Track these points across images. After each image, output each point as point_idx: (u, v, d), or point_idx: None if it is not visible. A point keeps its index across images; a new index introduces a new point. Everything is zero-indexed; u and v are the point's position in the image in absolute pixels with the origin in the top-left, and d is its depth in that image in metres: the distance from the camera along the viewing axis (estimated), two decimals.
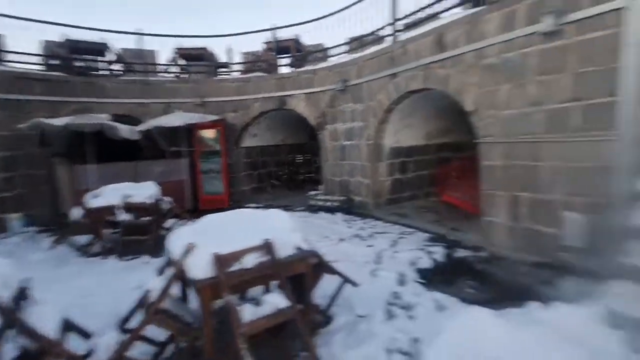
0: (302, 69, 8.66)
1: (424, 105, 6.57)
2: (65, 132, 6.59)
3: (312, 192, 7.97)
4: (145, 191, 5.26)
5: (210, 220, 2.60)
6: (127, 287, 3.72)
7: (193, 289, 2.25)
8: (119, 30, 8.28)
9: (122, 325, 2.56)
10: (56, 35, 8.05)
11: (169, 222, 5.71)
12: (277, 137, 10.30)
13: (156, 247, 4.73)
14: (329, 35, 8.12)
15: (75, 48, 8.73)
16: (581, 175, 3.59)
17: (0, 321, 1.87)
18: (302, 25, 8.64)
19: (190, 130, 7.94)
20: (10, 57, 7.54)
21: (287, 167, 10.77)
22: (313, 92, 7.99)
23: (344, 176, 7.60)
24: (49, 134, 6.66)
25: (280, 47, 9.75)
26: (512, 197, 4.27)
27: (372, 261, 4.42)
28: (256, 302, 2.12)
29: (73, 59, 8.71)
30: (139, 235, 5.02)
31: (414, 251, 4.64)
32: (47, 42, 8.22)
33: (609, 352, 2.30)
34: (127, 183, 5.60)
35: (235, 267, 2.11)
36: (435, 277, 3.85)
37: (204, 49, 9.75)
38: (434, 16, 5.90)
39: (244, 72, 10.04)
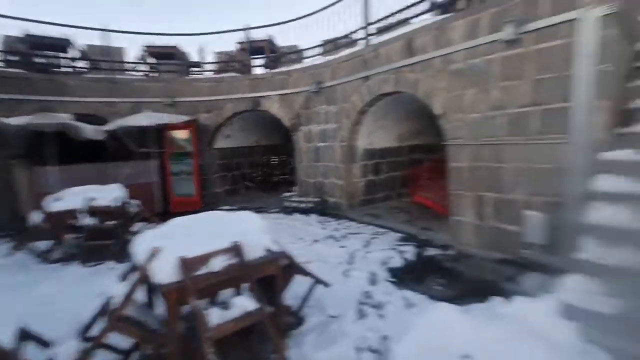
0: (277, 70, 8.63)
1: (396, 108, 6.71)
2: (25, 132, 6.23)
3: (287, 194, 7.95)
4: (110, 194, 5.06)
5: (177, 223, 2.54)
6: (90, 294, 3.55)
7: (158, 294, 2.18)
8: (83, 25, 7.91)
9: (83, 333, 2.45)
10: (16, 30, 7.61)
11: (136, 226, 5.51)
12: (251, 138, 10.19)
13: (122, 253, 4.54)
14: (304, 37, 8.16)
15: (36, 43, 8.30)
16: (540, 176, 3.80)
17: None
18: (276, 27, 8.60)
19: (160, 131, 7.71)
20: None
21: (262, 169, 10.69)
22: (287, 94, 7.97)
23: (318, 177, 7.64)
24: (6, 134, 6.28)
25: (254, 48, 9.67)
26: (478, 197, 4.45)
27: (345, 262, 4.47)
28: (224, 305, 2.08)
29: (33, 55, 8.27)
30: (103, 240, 4.81)
31: (386, 251, 4.73)
32: (6, 37, 7.76)
33: (565, 343, 2.43)
34: (91, 185, 5.36)
35: (202, 270, 2.08)
36: (405, 276, 3.94)
37: (174, 47, 9.52)
38: (404, 21, 6.06)
39: (217, 72, 9.89)
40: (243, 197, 9.38)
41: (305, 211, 7.30)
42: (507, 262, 4.03)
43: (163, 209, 7.57)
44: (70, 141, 6.51)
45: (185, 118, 7.98)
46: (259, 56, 9.89)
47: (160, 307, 2.52)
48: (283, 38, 9.12)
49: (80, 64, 9.02)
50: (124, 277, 2.47)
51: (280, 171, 10.99)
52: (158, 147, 7.79)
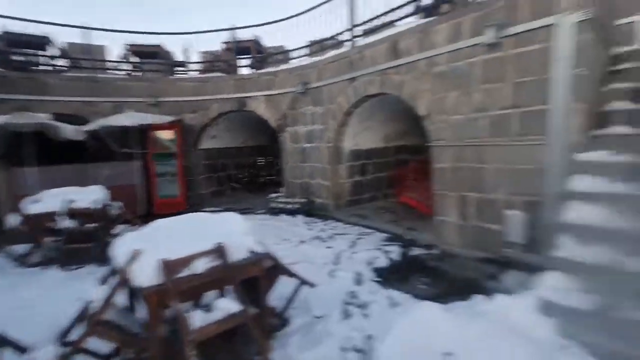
0: (263, 70, 8.60)
1: (381, 109, 6.77)
2: (2, 132, 6.02)
3: (273, 195, 7.91)
4: (90, 196, 4.94)
5: (159, 225, 2.51)
6: (70, 298, 3.45)
7: (139, 297, 2.15)
8: (63, 23, 7.71)
9: (62, 338, 2.39)
10: None
11: (118, 229, 5.39)
12: (237, 139, 10.12)
13: (103, 256, 4.45)
14: (290, 37, 8.16)
15: (14, 41, 8.05)
16: (520, 177, 3.89)
17: None
18: (262, 27, 8.57)
19: (143, 131, 7.57)
20: None
21: (248, 170, 10.62)
22: (274, 94, 7.95)
23: (305, 178, 7.63)
24: None
25: (240, 48, 9.61)
26: (461, 197, 4.53)
27: (331, 262, 4.48)
28: (207, 308, 2.06)
29: (11, 53, 8.01)
30: (83, 243, 4.69)
31: (371, 251, 4.76)
32: None
33: (543, 339, 2.50)
34: (71, 187, 5.23)
35: (184, 273, 2.05)
36: (390, 276, 3.98)
37: (158, 46, 9.38)
38: (389, 24, 6.12)
39: (202, 72, 9.78)
40: (229, 199, 9.30)
41: (291, 212, 7.28)
42: (490, 261, 4.12)
43: (146, 211, 7.43)
44: (49, 141, 6.33)
45: (169, 118, 7.86)
46: (245, 56, 9.83)
47: (141, 311, 2.47)
48: (269, 38, 9.12)
49: (61, 62, 8.78)
50: (103, 281, 2.42)
51: (267, 172, 10.94)
52: (141, 147, 7.65)
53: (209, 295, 2.63)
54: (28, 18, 7.26)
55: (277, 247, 5.05)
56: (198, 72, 9.78)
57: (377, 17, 6.13)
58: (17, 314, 3.29)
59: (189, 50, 9.67)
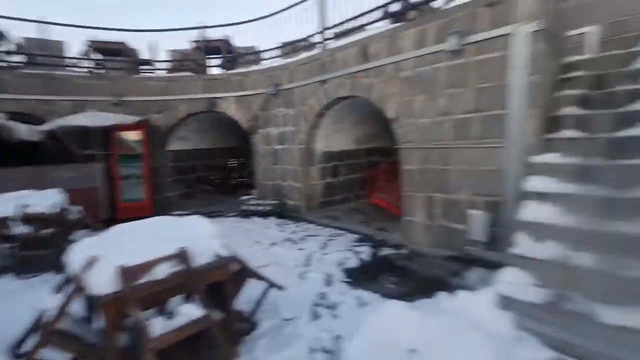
0: (233, 71, 8.47)
1: (353, 111, 6.87)
2: None
3: (245, 197, 7.82)
4: (47, 200, 4.66)
5: (119, 229, 2.41)
6: (24, 307, 3.23)
7: (96, 306, 2.05)
8: (18, 17, 7.24)
9: (15, 349, 2.25)
10: None
11: (78, 234, 5.12)
12: (207, 140, 9.90)
13: (60, 263, 4.22)
14: (261, 38, 8.09)
15: None
16: (482, 178, 4.08)
17: None
18: (232, 27, 8.45)
19: (106, 132, 7.24)
20: None
21: (220, 172, 10.42)
22: (245, 95, 7.85)
23: (277, 180, 7.59)
24: None
25: (209, 47, 9.41)
26: (428, 198, 4.67)
27: (302, 264, 4.48)
28: (170, 314, 2.01)
29: None
30: (39, 249, 4.42)
31: (342, 252, 4.81)
32: None
33: (501, 333, 2.62)
34: (26, 191, 4.91)
35: (144, 279, 1.98)
36: (360, 276, 4.04)
37: (122, 43, 9.00)
38: (360, 28, 6.22)
39: (170, 71, 9.49)
40: (200, 201, 9.07)
41: (263, 214, 7.22)
42: (454, 259, 4.28)
43: (110, 216, 7.10)
44: (2, 142, 5.92)
45: (134, 118, 7.56)
46: (214, 56, 9.64)
47: (100, 320, 2.37)
48: (240, 39, 8.99)
49: (16, 58, 8.23)
50: (58, 289, 2.29)
51: (239, 174, 10.78)
52: (104, 149, 7.31)
53: (176, 302, 2.57)
54: None
55: (248, 249, 4.99)
56: (166, 71, 9.48)
57: (347, 21, 6.22)
58: None
59: (155, 48, 9.35)
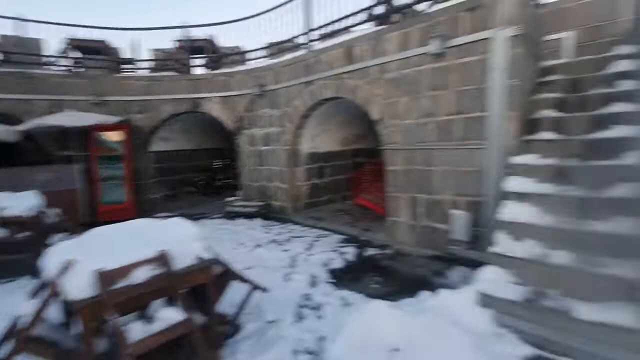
0: (218, 71, 8.38)
1: (338, 113, 6.89)
2: None
3: (231, 198, 7.74)
4: (23, 202, 4.51)
5: (98, 232, 2.35)
6: None
7: (73, 311, 2.00)
8: None
9: None
10: None
11: (55, 238, 4.96)
12: (192, 141, 9.77)
13: (37, 268, 4.09)
14: (246, 39, 8.02)
15: None
16: (463, 178, 4.16)
17: None
18: (217, 26, 8.36)
19: (86, 133, 7.04)
20: None
21: (204, 173, 10.29)
22: (230, 96, 7.78)
23: (263, 181, 7.55)
24: None
25: (193, 47, 9.28)
26: (411, 199, 4.73)
27: (287, 265, 4.47)
28: (149, 319, 1.97)
29: None
30: (15, 254, 4.27)
31: (327, 253, 4.82)
32: None
33: (481, 330, 2.68)
34: (1, 193, 4.73)
35: (122, 283, 1.94)
36: (345, 276, 4.05)
37: (102, 42, 8.79)
38: (345, 29, 6.25)
39: (153, 70, 9.31)
40: (184, 203, 8.94)
41: (249, 216, 7.17)
42: (437, 258, 4.34)
43: (89, 218, 6.92)
44: None
45: (114, 118, 7.38)
46: (199, 56, 9.52)
47: (78, 325, 2.30)
48: (225, 39, 8.89)
49: None
50: (33, 294, 2.22)
51: (224, 175, 10.66)
52: (83, 150, 7.11)
53: (157, 306, 2.52)
54: None
55: (233, 251, 4.95)
56: (149, 71, 9.30)
57: (332, 22, 6.24)
58: None
59: (138, 47, 9.16)
